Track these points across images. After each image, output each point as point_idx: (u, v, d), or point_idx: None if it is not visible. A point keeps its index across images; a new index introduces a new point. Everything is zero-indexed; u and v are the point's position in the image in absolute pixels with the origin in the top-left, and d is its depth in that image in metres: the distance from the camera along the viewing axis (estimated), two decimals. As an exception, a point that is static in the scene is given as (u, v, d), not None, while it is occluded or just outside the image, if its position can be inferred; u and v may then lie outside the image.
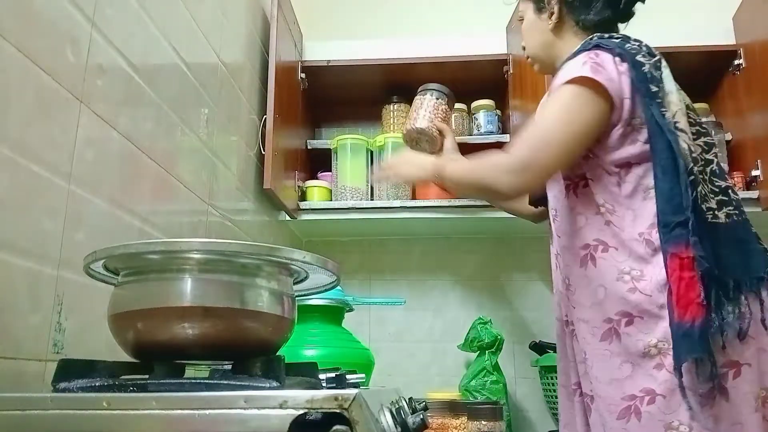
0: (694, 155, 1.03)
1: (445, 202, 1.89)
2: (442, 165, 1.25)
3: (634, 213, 1.05)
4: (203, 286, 0.67)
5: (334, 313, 1.33)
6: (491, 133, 2.01)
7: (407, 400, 0.81)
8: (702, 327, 0.93)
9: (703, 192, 1.02)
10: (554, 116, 1.07)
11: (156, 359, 0.67)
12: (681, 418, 0.96)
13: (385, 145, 1.94)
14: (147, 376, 0.66)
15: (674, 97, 1.06)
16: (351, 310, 1.40)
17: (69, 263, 0.84)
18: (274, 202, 1.77)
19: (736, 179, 1.82)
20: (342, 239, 2.16)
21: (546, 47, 1.26)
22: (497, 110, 2.06)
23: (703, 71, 1.99)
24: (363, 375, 0.84)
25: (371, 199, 1.94)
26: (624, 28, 1.26)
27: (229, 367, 0.69)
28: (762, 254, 1.03)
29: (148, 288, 0.68)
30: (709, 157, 1.07)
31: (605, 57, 1.07)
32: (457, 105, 2.07)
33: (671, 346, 0.96)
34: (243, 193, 1.61)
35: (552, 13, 1.23)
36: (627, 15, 1.24)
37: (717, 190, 1.05)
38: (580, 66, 1.06)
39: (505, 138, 1.97)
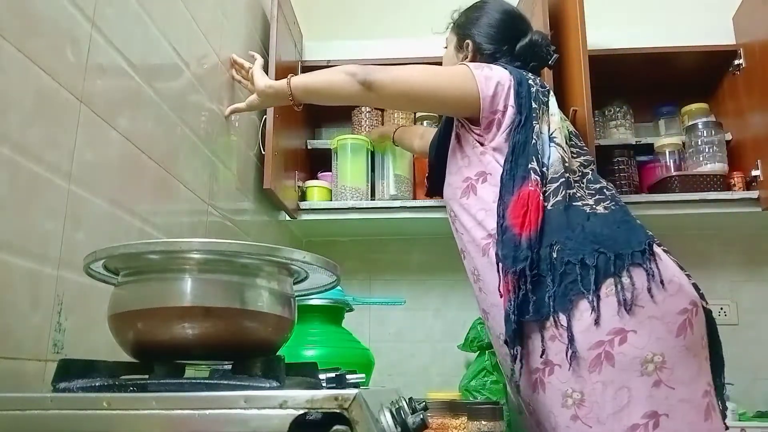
0: (567, 165, 1.18)
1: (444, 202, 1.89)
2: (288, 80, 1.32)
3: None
4: (203, 286, 0.67)
5: (334, 313, 1.33)
6: (491, 133, 2.00)
7: (407, 400, 0.81)
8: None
9: (579, 194, 1.17)
10: (426, 70, 1.27)
11: (156, 359, 0.67)
12: (573, 386, 1.01)
13: (386, 145, 1.94)
14: (147, 376, 0.66)
15: (555, 119, 1.24)
16: (351, 310, 1.39)
17: (69, 263, 0.84)
18: (274, 202, 1.77)
19: (736, 179, 1.82)
20: (342, 239, 2.16)
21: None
22: (497, 110, 2.05)
23: (703, 71, 1.99)
24: (363, 375, 0.84)
25: (371, 199, 1.94)
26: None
27: (229, 367, 0.69)
28: (641, 228, 1.11)
29: (148, 288, 0.68)
30: (585, 170, 1.24)
31: (496, 68, 1.27)
32: (457, 105, 2.08)
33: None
34: (243, 193, 1.61)
35: (465, 57, 1.42)
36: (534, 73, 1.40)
37: (593, 191, 1.20)
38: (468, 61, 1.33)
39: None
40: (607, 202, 1.17)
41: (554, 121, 1.24)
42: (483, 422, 1.48)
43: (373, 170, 1.98)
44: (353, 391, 0.51)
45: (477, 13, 1.45)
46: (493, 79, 1.24)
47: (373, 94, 1.23)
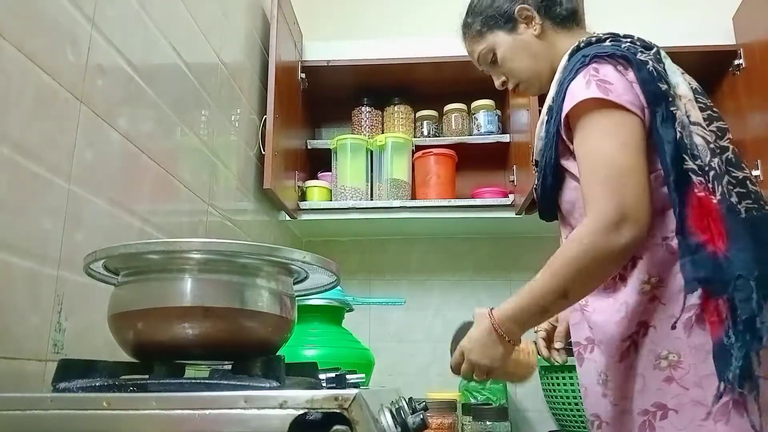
0: (711, 146, 0.94)
1: (444, 202, 1.90)
2: (505, 321, 1.00)
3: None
4: (203, 286, 0.67)
5: (334, 313, 1.33)
6: (491, 133, 2.01)
7: (407, 400, 0.81)
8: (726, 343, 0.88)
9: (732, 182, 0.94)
10: (602, 146, 0.94)
11: (156, 359, 0.67)
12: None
13: (386, 145, 1.94)
14: (147, 376, 0.66)
15: (682, 88, 0.98)
16: (351, 310, 1.39)
17: (69, 263, 0.84)
18: (274, 202, 1.77)
19: (736, 179, 1.82)
20: (342, 239, 2.16)
21: (540, 59, 1.16)
22: (497, 110, 2.06)
23: (703, 71, 1.98)
24: (363, 375, 0.84)
25: (371, 199, 1.94)
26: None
27: (229, 367, 0.69)
28: None
29: (148, 288, 0.68)
30: (723, 143, 0.97)
31: (606, 70, 0.97)
32: (457, 105, 2.08)
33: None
34: (243, 193, 1.61)
35: (531, 20, 1.16)
36: None
37: (734, 181, 0.94)
38: (584, 88, 0.96)
39: (505, 138, 1.97)
40: (749, 201, 0.93)
41: (683, 94, 0.98)
42: (488, 423, 1.48)
43: (372, 170, 1.98)
44: (353, 391, 0.51)
45: None
46: (621, 85, 0.96)
47: (631, 220, 0.90)
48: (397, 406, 0.67)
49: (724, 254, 0.88)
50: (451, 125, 2.06)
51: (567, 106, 0.98)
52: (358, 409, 0.50)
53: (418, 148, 2.00)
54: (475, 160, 2.06)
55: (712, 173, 0.92)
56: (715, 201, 0.90)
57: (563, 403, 1.68)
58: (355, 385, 0.75)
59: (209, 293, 0.66)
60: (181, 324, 0.65)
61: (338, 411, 0.50)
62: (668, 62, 1.03)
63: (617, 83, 0.96)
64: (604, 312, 1.01)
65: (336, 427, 0.49)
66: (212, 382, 0.63)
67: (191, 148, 1.29)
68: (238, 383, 0.60)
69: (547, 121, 1.06)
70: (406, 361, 2.06)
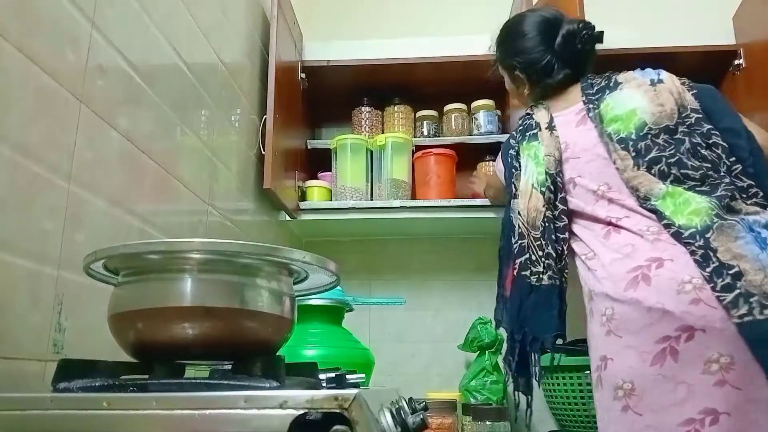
0: (521, 231, 1.28)
1: (444, 202, 1.90)
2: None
3: None
4: (203, 286, 0.67)
5: (334, 313, 1.33)
6: (491, 133, 2.01)
7: (407, 400, 0.81)
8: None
9: (533, 258, 1.23)
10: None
11: (156, 359, 0.67)
12: None
13: (386, 145, 1.94)
14: (147, 376, 0.66)
15: (522, 180, 1.31)
16: (351, 310, 1.39)
17: (69, 263, 0.84)
18: (274, 202, 1.77)
19: (736, 179, 1.82)
20: (342, 239, 2.16)
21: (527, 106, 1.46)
22: (497, 110, 2.06)
23: (703, 71, 1.98)
24: (363, 375, 0.84)
25: (371, 199, 1.94)
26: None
27: (229, 367, 0.69)
28: (557, 318, 1.20)
29: (148, 288, 0.68)
30: (549, 215, 1.24)
31: (499, 156, 1.44)
32: (457, 105, 2.08)
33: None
34: (243, 193, 1.61)
35: (523, 84, 1.44)
36: (588, 60, 1.40)
37: (543, 255, 1.22)
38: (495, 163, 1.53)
39: (505, 138, 1.96)
40: (551, 272, 1.22)
41: (528, 166, 1.31)
42: (488, 423, 1.48)
43: (372, 170, 1.98)
44: (353, 391, 0.51)
45: (506, 41, 1.48)
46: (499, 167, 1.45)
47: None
48: (397, 406, 0.66)
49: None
50: (451, 125, 2.06)
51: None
52: (358, 409, 0.50)
53: (418, 148, 1.99)
54: (475, 160, 2.06)
55: (515, 250, 1.28)
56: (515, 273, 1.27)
57: (563, 403, 1.67)
58: (355, 385, 0.75)
59: (209, 293, 0.66)
60: (181, 324, 0.65)
61: (338, 411, 0.50)
62: (530, 152, 1.31)
63: (499, 165, 1.47)
64: None
65: (336, 427, 0.49)
66: (212, 382, 0.63)
67: (191, 148, 1.29)
68: (238, 383, 0.60)
69: None
70: (406, 361, 2.05)
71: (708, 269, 1.01)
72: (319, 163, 2.04)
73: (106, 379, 0.64)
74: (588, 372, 1.59)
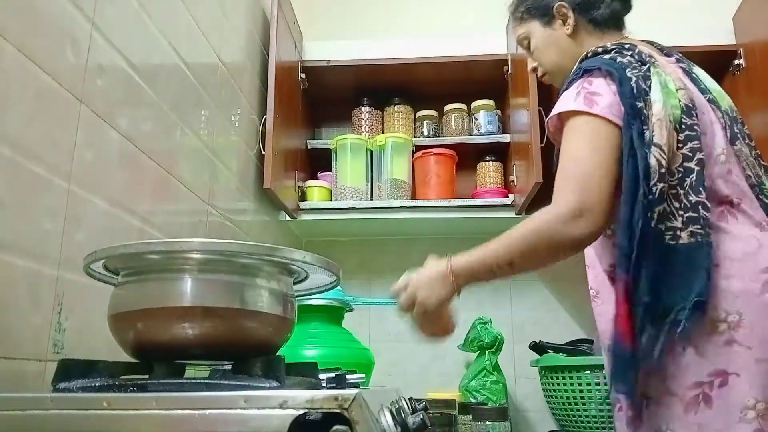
0: (662, 170, 0.96)
1: (444, 202, 1.90)
2: (458, 269, 1.10)
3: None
4: (203, 286, 0.67)
5: (334, 313, 1.33)
6: (491, 133, 2.01)
7: (407, 400, 0.81)
8: (625, 360, 0.95)
9: (668, 210, 0.97)
10: (577, 149, 1.01)
11: (156, 359, 0.67)
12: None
13: (386, 145, 1.94)
14: (147, 376, 0.66)
15: (656, 107, 0.99)
16: (351, 310, 1.40)
17: (69, 263, 0.84)
18: (274, 202, 1.77)
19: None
20: (342, 239, 2.16)
21: (566, 56, 1.20)
22: (497, 110, 2.06)
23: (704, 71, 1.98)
24: (363, 375, 0.84)
25: (371, 199, 1.94)
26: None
27: (229, 367, 0.69)
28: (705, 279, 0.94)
29: (148, 288, 0.68)
30: (690, 165, 0.98)
31: (597, 82, 1.03)
32: (457, 105, 2.08)
33: None
34: (243, 193, 1.61)
35: (566, 18, 1.20)
36: (630, 5, 1.25)
37: (687, 205, 0.97)
38: (573, 98, 1.03)
39: (505, 138, 1.97)
40: (697, 226, 0.95)
41: (655, 113, 0.99)
42: (488, 423, 1.48)
43: (372, 170, 1.98)
44: (353, 391, 0.51)
45: None
46: (608, 97, 1.02)
47: (589, 216, 0.96)
48: (397, 406, 0.66)
49: None
50: (451, 125, 2.07)
51: (554, 112, 1.07)
52: (358, 409, 0.50)
53: (418, 148, 2.00)
54: (475, 160, 2.06)
55: (649, 197, 0.95)
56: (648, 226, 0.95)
57: (563, 403, 1.67)
58: (355, 385, 0.75)
59: (209, 293, 0.66)
60: (181, 324, 0.65)
61: (338, 411, 0.50)
62: (656, 79, 1.03)
63: (605, 95, 1.02)
64: None
65: (336, 427, 0.49)
66: (212, 382, 0.63)
67: (191, 148, 1.29)
68: (238, 383, 0.60)
69: None
70: (406, 361, 2.05)
71: None
72: (319, 163, 2.05)
73: (106, 379, 0.64)
74: (588, 372, 1.60)
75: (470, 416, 1.53)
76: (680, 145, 1.00)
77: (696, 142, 1.00)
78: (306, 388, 0.60)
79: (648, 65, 1.05)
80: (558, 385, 1.68)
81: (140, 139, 1.06)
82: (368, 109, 2.09)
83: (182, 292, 0.66)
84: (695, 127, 1.01)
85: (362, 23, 2.25)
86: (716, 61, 1.93)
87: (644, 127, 0.99)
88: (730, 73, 1.93)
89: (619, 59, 1.06)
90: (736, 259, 0.94)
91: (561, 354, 1.72)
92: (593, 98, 1.02)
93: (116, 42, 0.99)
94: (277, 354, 0.71)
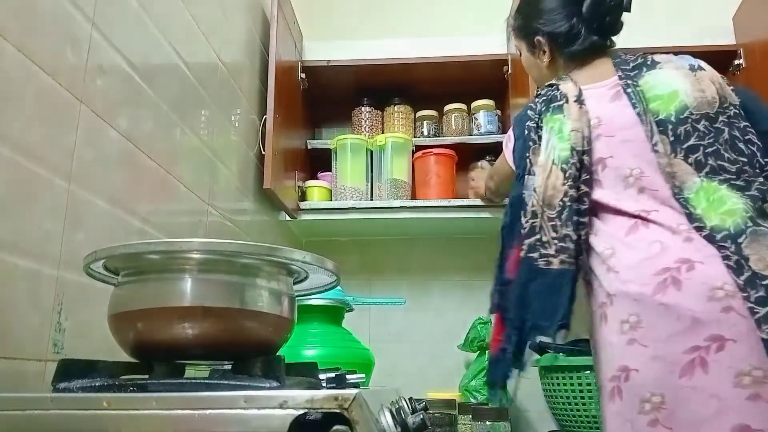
0: (534, 209, 1.14)
1: (444, 202, 1.90)
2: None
3: None
4: (203, 286, 0.67)
5: (334, 313, 1.33)
6: (491, 133, 2.01)
7: (407, 400, 0.81)
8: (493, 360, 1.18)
9: (543, 239, 1.11)
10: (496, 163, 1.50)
11: (156, 359, 0.67)
12: None
13: (386, 145, 1.94)
14: (147, 376, 0.66)
15: (542, 157, 1.17)
16: (351, 310, 1.39)
17: (69, 263, 0.84)
18: (274, 202, 1.77)
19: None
20: (342, 239, 2.16)
21: (544, 81, 1.30)
22: (497, 110, 2.06)
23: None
24: (363, 375, 0.84)
25: (371, 199, 1.94)
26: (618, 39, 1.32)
27: (229, 367, 0.69)
28: (565, 306, 1.08)
29: (148, 288, 0.68)
30: (566, 201, 1.12)
31: (510, 133, 1.31)
32: (457, 105, 2.08)
33: None
34: (243, 193, 1.61)
35: (543, 52, 1.31)
36: (615, 29, 1.29)
37: (558, 237, 1.10)
38: (506, 137, 1.36)
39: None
40: (565, 255, 1.09)
41: (540, 161, 1.18)
42: (488, 422, 1.48)
43: (372, 170, 1.98)
44: (353, 391, 0.51)
45: (528, 4, 1.35)
46: (510, 146, 1.31)
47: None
48: (397, 406, 0.67)
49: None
50: (451, 125, 2.06)
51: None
52: (358, 409, 0.50)
53: (418, 148, 2.00)
54: (475, 160, 2.06)
55: (523, 231, 1.15)
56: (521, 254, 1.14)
57: (563, 403, 1.67)
58: (355, 385, 0.75)
59: (209, 293, 0.66)
60: (181, 324, 0.65)
61: (338, 411, 0.50)
62: (554, 126, 1.18)
63: (509, 145, 1.31)
64: None
65: (336, 427, 0.49)
66: (212, 382, 0.63)
67: (191, 148, 1.29)
68: (238, 383, 0.60)
69: None
70: (406, 361, 2.05)
71: (742, 277, 0.95)
72: (319, 163, 2.05)
73: (106, 379, 0.64)
74: (588, 372, 1.60)
75: (470, 416, 1.53)
76: (564, 182, 1.12)
77: (571, 181, 1.13)
78: (306, 388, 0.60)
79: (549, 110, 1.20)
80: (558, 385, 1.68)
81: (140, 139, 1.06)
82: (368, 109, 2.09)
83: (182, 292, 0.66)
84: (577, 165, 1.14)
85: (362, 23, 2.25)
86: (716, 61, 1.92)
87: (528, 175, 1.18)
88: (730, 73, 1.93)
89: (527, 110, 1.24)
90: (632, 266, 1.03)
91: (561, 354, 1.72)
92: (508, 143, 1.33)
93: (116, 42, 0.99)
94: (277, 354, 0.71)
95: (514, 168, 1.26)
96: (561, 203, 1.11)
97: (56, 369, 0.64)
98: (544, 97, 1.22)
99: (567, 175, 1.12)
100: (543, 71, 1.33)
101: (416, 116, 2.11)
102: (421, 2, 2.29)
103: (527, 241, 1.12)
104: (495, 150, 2.02)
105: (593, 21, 1.26)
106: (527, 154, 1.19)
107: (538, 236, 1.12)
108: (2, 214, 0.74)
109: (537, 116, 1.21)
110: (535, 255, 1.11)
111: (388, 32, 2.17)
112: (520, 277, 1.12)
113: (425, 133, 2.09)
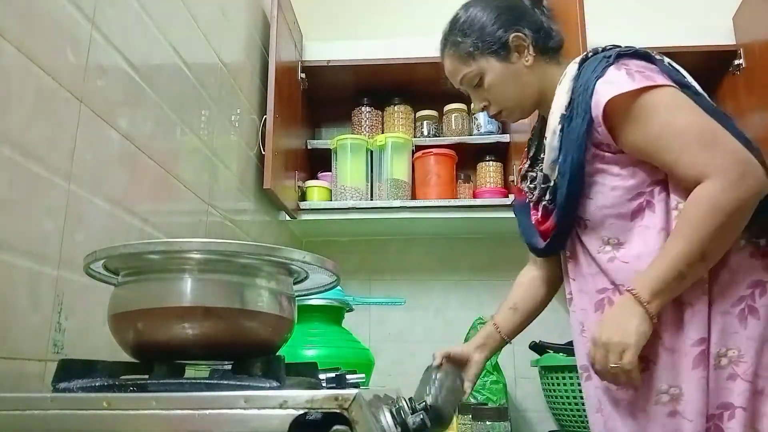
0: None
1: (444, 202, 1.90)
2: (645, 292, 0.93)
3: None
4: (203, 286, 0.67)
5: (334, 313, 1.33)
6: (491, 133, 2.01)
7: (407, 400, 0.81)
8: None
9: None
10: (681, 120, 0.96)
11: (156, 359, 0.67)
12: None
13: (386, 145, 1.94)
14: (147, 376, 0.66)
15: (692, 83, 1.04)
16: (351, 310, 1.40)
17: (69, 263, 0.84)
18: (274, 202, 1.77)
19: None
20: (342, 239, 2.16)
21: (527, 88, 1.15)
22: (497, 110, 2.05)
23: (703, 71, 1.98)
24: (363, 375, 0.84)
25: (371, 199, 1.94)
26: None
27: (229, 367, 0.69)
28: None
29: (148, 288, 0.68)
30: None
31: (636, 62, 1.01)
32: (457, 105, 2.08)
33: None
34: (243, 193, 1.61)
35: (523, 50, 1.13)
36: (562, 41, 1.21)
37: None
38: (627, 80, 0.98)
39: (505, 138, 1.97)
40: None
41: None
42: (488, 423, 1.48)
43: (372, 170, 1.98)
44: (353, 391, 0.51)
45: (501, 13, 1.16)
46: (655, 72, 1.01)
47: (746, 167, 0.92)
48: (397, 406, 0.66)
49: None
50: (451, 125, 2.07)
51: (606, 97, 0.98)
52: (358, 409, 0.50)
53: (418, 148, 2.00)
54: (475, 160, 2.06)
55: None
56: None
57: (563, 403, 1.67)
58: (355, 385, 0.75)
59: (209, 293, 0.66)
60: (181, 324, 0.65)
61: (338, 411, 0.50)
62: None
63: (652, 71, 0.99)
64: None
65: (336, 427, 0.49)
66: (212, 382, 0.63)
67: (191, 148, 1.29)
68: (238, 383, 0.60)
69: (562, 130, 1.04)
70: (406, 361, 2.05)
71: None
72: (319, 163, 2.05)
73: (106, 379, 0.64)
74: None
75: (470, 416, 1.53)
76: None
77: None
78: (306, 388, 0.60)
79: (663, 59, 1.05)
80: (558, 385, 1.68)
81: (140, 139, 1.06)
82: (368, 109, 2.10)
83: (182, 292, 0.66)
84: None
85: (362, 23, 2.25)
86: (716, 61, 1.93)
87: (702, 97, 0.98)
88: (730, 73, 1.93)
89: (639, 49, 1.04)
90: None
91: (561, 354, 1.72)
92: (648, 74, 0.98)
93: (116, 42, 0.99)
94: (277, 354, 0.71)
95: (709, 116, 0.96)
96: None
97: (56, 369, 0.64)
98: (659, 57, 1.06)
99: None
100: (524, 76, 1.14)
101: (416, 116, 2.11)
102: (421, 2, 2.29)
103: None
104: (495, 150, 2.02)
105: (549, 17, 1.17)
106: (683, 79, 1.02)
107: None
108: (2, 214, 0.74)
109: (674, 67, 1.06)
110: None
111: (388, 32, 2.17)
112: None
113: (425, 133, 2.09)
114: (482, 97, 1.20)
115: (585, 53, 1.09)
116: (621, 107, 0.98)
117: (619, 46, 1.06)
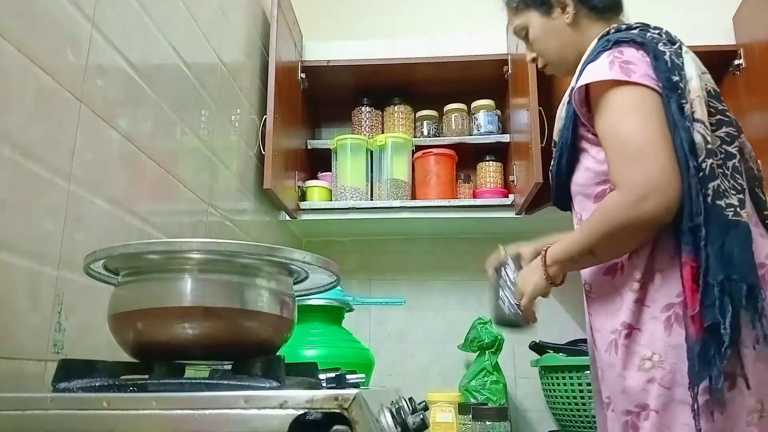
0: (710, 147, 0.96)
1: (444, 202, 1.90)
2: (549, 257, 1.07)
3: None
4: (203, 286, 0.67)
5: (334, 313, 1.33)
6: (491, 133, 2.01)
7: (407, 400, 0.81)
8: (699, 344, 0.90)
9: (722, 188, 0.95)
10: (624, 124, 0.97)
11: (156, 359, 0.67)
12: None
13: (386, 145, 1.94)
14: (147, 376, 0.66)
15: (694, 83, 0.99)
16: (351, 310, 1.39)
17: (69, 263, 0.84)
18: (274, 202, 1.77)
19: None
20: (342, 239, 2.16)
21: (567, 45, 1.18)
22: (497, 110, 2.06)
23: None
24: (363, 375, 0.84)
25: (371, 199, 1.94)
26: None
27: (229, 367, 0.69)
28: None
29: (148, 288, 0.68)
30: (730, 150, 1.00)
31: (630, 52, 1.01)
32: (457, 105, 2.08)
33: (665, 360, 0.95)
34: (243, 193, 1.61)
35: (565, 7, 1.17)
36: None
37: (739, 188, 0.98)
38: (607, 68, 1.00)
39: (505, 138, 1.97)
40: (745, 210, 0.96)
41: (693, 89, 0.99)
42: (488, 422, 1.48)
43: (372, 170, 1.98)
44: (353, 391, 0.51)
45: None
46: (640, 68, 1.00)
47: (657, 194, 0.94)
48: (397, 406, 0.67)
49: None
50: (451, 125, 2.06)
51: (583, 82, 1.02)
52: (358, 409, 0.50)
53: (418, 148, 2.00)
54: (475, 160, 2.06)
55: (700, 174, 0.94)
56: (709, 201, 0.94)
57: (563, 403, 1.67)
58: (355, 385, 0.75)
59: (209, 293, 0.66)
60: (181, 324, 0.65)
61: (338, 411, 0.50)
62: (688, 57, 1.04)
63: (639, 64, 1.00)
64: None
65: (336, 427, 0.49)
66: (212, 382, 0.63)
67: (191, 148, 1.29)
68: (238, 383, 0.60)
69: (567, 102, 1.10)
70: (406, 361, 2.05)
71: None
72: (319, 163, 2.05)
73: (106, 379, 0.64)
74: (588, 372, 1.60)
75: (470, 416, 1.53)
76: (713, 128, 1.00)
77: (731, 128, 1.02)
78: (306, 388, 0.60)
79: (678, 43, 1.05)
80: (558, 385, 1.68)
81: (140, 139, 1.06)
82: (368, 109, 2.09)
83: (182, 292, 0.66)
84: (727, 114, 1.03)
85: (362, 23, 2.25)
86: (716, 61, 1.93)
87: (683, 101, 0.97)
88: (730, 73, 1.93)
89: (648, 34, 1.05)
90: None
91: (561, 354, 1.72)
92: (628, 67, 0.99)
93: (116, 42, 0.99)
94: (277, 354, 0.71)
95: (659, 89, 0.98)
96: (723, 151, 0.99)
97: (56, 369, 0.64)
98: (658, 30, 1.07)
99: (714, 120, 1.00)
100: (564, 33, 1.18)
101: (416, 116, 2.11)
102: (421, 2, 2.29)
103: (712, 185, 0.94)
104: (495, 150, 2.02)
105: None
106: (674, 78, 0.98)
107: (718, 181, 0.95)
108: (2, 214, 0.74)
109: (668, 41, 1.04)
110: (722, 203, 0.94)
111: (388, 32, 2.17)
112: (715, 230, 0.93)
113: (425, 133, 2.09)
114: (531, 49, 1.26)
115: (608, 29, 1.11)
116: (595, 94, 1.02)
117: (646, 25, 1.09)
